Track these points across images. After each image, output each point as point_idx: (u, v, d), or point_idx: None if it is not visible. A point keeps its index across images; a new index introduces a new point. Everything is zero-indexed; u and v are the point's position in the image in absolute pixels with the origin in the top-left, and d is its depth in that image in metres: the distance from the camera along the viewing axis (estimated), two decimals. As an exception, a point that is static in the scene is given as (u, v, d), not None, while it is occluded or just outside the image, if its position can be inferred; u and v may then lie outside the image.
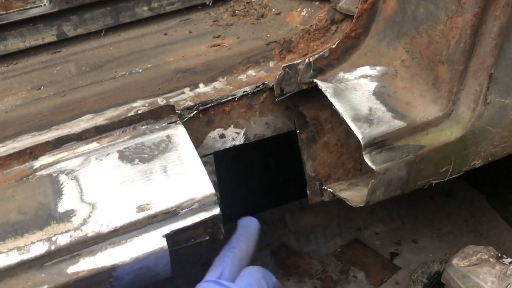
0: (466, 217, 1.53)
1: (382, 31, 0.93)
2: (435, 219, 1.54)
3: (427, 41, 0.85)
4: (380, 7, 0.92)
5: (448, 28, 0.81)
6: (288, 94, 0.93)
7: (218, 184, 1.02)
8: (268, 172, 1.81)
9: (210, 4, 1.22)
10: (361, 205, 0.89)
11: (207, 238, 0.84)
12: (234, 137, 0.96)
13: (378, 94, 0.88)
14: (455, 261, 1.16)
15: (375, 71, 0.91)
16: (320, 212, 1.65)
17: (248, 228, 0.93)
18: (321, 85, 0.90)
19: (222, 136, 0.96)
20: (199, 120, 0.93)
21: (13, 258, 0.68)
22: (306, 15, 1.05)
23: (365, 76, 0.91)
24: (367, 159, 0.82)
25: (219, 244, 1.55)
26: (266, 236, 1.59)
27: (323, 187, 1.02)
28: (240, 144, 0.97)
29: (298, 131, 0.99)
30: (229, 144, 0.96)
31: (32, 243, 0.69)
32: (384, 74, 0.91)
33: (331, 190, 1.00)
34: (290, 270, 1.44)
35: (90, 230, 0.71)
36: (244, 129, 0.97)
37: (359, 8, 0.92)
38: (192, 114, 0.91)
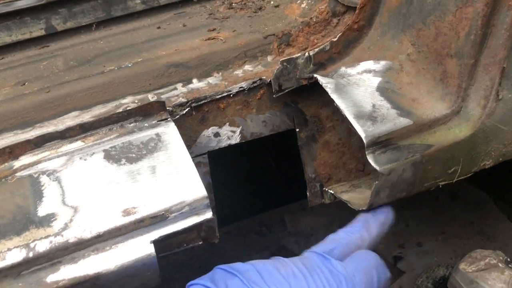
0: (472, 219, 1.48)
1: (386, 23, 0.87)
2: (440, 221, 1.49)
3: (434, 34, 0.80)
4: (384, -3, 0.87)
5: (458, 19, 0.76)
6: (286, 90, 0.88)
7: (216, 184, 0.97)
8: (267, 172, 1.76)
9: (206, -4, 1.16)
10: (363, 208, 0.83)
11: (200, 243, 0.79)
12: (229, 135, 0.91)
13: (382, 90, 0.83)
14: (462, 266, 1.10)
15: (379, 65, 0.86)
16: (321, 214, 1.60)
17: (379, 217, 0.79)
18: (322, 80, 0.85)
19: (216, 134, 0.90)
20: (192, 118, 0.88)
21: (-12, 265, 0.63)
22: (306, 7, 1.00)
23: (368, 71, 0.86)
24: (370, 159, 0.77)
25: (216, 247, 1.51)
26: (265, 239, 1.55)
27: (324, 188, 0.97)
28: (238, 143, 0.91)
29: (297, 130, 0.93)
30: (224, 143, 0.91)
31: (9, 249, 0.64)
32: (388, 68, 0.85)
33: (332, 192, 0.94)
34: (290, 274, 1.39)
35: (71, 235, 0.65)
36: (240, 127, 0.91)
37: (362, -2, 0.86)
38: (184, 111, 0.86)
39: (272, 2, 1.08)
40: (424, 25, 0.81)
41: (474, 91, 0.79)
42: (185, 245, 0.79)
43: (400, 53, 0.85)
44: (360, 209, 0.84)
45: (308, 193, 0.98)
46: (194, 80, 0.91)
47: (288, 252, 1.46)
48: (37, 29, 1.09)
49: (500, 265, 1.09)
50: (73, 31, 1.11)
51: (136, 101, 0.86)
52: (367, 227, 0.76)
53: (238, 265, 0.71)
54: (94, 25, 1.12)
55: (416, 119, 0.80)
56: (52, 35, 1.10)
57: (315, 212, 1.56)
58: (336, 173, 0.98)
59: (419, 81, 0.83)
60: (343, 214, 1.56)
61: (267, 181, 1.73)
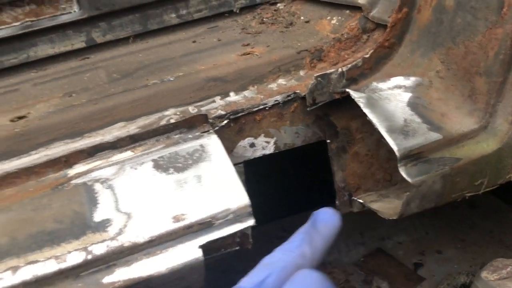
0: (491, 228, 1.51)
1: (416, 41, 0.91)
2: (459, 229, 1.52)
3: (463, 52, 0.84)
4: (414, 17, 0.91)
5: (487, 39, 0.80)
6: (320, 104, 0.92)
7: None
8: (287, 179, 1.80)
9: (237, 11, 1.22)
10: (394, 218, 0.87)
11: (237, 248, 0.83)
12: (264, 146, 0.96)
13: (413, 105, 0.87)
14: (484, 274, 1.13)
15: (409, 81, 0.90)
16: (342, 221, 1.64)
17: (323, 225, 0.63)
18: (354, 95, 0.89)
19: (252, 145, 0.95)
20: (230, 129, 0.92)
21: (50, 267, 0.68)
22: (337, 23, 1.05)
23: (399, 87, 0.90)
24: (402, 172, 0.81)
25: (239, 251, 1.55)
26: (287, 244, 1.58)
27: (353, 198, 1.01)
28: (271, 153, 0.96)
29: (328, 141, 0.98)
30: (259, 153, 0.96)
31: (69, 252, 0.69)
32: (418, 84, 0.89)
33: (361, 201, 0.98)
34: (312, 279, 1.43)
35: (126, 240, 0.70)
36: (274, 138, 0.96)
37: (393, 17, 0.91)
38: (223, 123, 0.91)
39: (302, 18, 1.13)
40: (453, 44, 0.85)
41: (502, 107, 0.83)
42: (223, 250, 0.83)
43: (429, 70, 0.90)
44: (391, 218, 0.88)
45: (337, 202, 1.02)
46: (231, 94, 0.95)
47: (310, 257, 1.50)
48: (78, 42, 1.15)
49: (521, 273, 1.12)
50: (112, 43, 1.16)
51: (178, 113, 0.90)
52: (310, 240, 0.62)
53: None
54: (131, 38, 1.18)
55: (446, 133, 0.84)
56: (91, 47, 1.16)
57: (336, 218, 1.60)
58: (364, 183, 1.02)
59: (448, 97, 0.87)
60: (362, 221, 1.61)
61: (288, 187, 1.77)
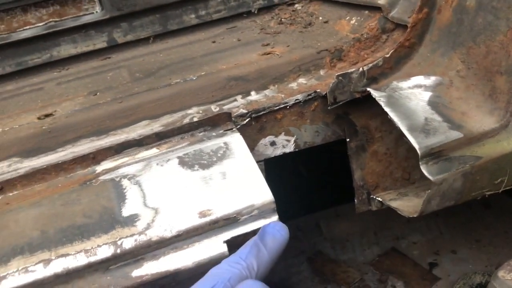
0: (505, 228, 1.51)
1: (436, 41, 0.92)
2: (474, 230, 1.52)
3: (484, 52, 0.85)
4: (434, 17, 0.92)
5: (508, 39, 0.81)
6: (341, 103, 0.94)
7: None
8: (300, 179, 1.82)
9: (255, 12, 1.23)
10: (415, 215, 0.88)
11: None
12: (284, 144, 0.97)
13: (433, 104, 0.88)
14: (501, 273, 1.14)
15: (430, 81, 0.91)
16: (356, 221, 1.65)
17: (271, 239, 0.66)
18: (375, 94, 0.90)
19: (273, 143, 0.96)
20: (252, 127, 0.94)
21: (81, 260, 0.70)
22: (356, 23, 1.06)
23: (419, 86, 0.91)
24: (424, 170, 0.82)
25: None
26: (301, 243, 1.60)
27: (372, 196, 1.02)
28: (291, 151, 0.97)
29: (348, 140, 0.99)
30: (279, 151, 0.97)
31: (99, 246, 0.71)
32: (438, 84, 0.90)
33: (380, 200, 0.99)
34: (327, 277, 1.43)
35: (154, 234, 0.72)
36: (295, 136, 0.97)
37: (414, 18, 0.92)
38: (245, 121, 0.92)
39: (320, 18, 1.14)
40: (474, 43, 0.86)
41: (523, 106, 0.84)
42: (243, 246, 0.85)
43: (450, 69, 0.90)
44: (411, 216, 0.89)
45: (356, 200, 1.03)
46: (252, 93, 0.97)
47: (325, 256, 1.51)
48: (100, 42, 1.17)
49: (538, 273, 1.12)
50: (132, 43, 1.19)
51: (200, 112, 0.92)
52: (256, 252, 0.64)
53: None
54: (151, 38, 1.20)
55: (466, 132, 0.85)
56: (112, 47, 1.18)
57: (350, 218, 1.61)
58: (383, 182, 1.03)
59: (469, 96, 0.88)
60: (376, 221, 1.61)
61: (301, 187, 1.79)
